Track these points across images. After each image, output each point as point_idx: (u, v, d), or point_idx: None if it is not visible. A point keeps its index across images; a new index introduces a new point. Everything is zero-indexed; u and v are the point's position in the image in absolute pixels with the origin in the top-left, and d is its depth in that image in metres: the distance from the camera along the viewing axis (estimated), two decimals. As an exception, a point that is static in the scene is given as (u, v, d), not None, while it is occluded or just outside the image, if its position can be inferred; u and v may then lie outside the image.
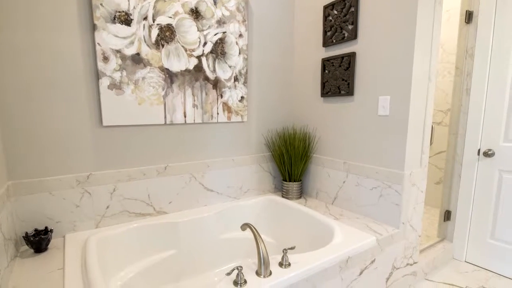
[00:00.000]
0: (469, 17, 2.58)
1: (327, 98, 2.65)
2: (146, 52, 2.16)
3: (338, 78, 2.49)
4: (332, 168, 2.66)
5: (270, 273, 1.62)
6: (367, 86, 2.31)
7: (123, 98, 2.11)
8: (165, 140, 2.34)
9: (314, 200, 2.83)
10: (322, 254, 1.81)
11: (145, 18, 2.13)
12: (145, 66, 2.17)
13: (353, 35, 2.35)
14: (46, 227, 1.93)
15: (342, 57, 2.44)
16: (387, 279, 2.21)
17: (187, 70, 2.34)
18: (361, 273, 1.99)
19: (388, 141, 2.23)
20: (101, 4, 1.97)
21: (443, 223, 2.92)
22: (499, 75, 2.45)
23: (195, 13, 2.34)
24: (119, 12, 2.03)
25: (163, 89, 2.25)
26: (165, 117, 2.29)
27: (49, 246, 1.93)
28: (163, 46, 2.22)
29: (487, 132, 2.55)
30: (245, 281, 1.54)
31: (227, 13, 2.48)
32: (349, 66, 2.39)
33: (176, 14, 2.25)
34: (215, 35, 2.45)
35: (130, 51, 2.10)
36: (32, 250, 1.87)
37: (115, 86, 2.07)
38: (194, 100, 2.41)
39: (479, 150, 2.61)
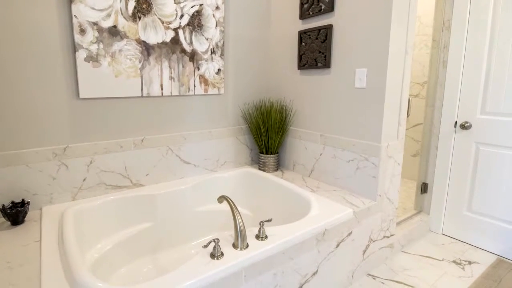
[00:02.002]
0: (446, -11, 2.72)
1: (304, 70, 2.82)
2: (123, 24, 2.28)
3: (315, 51, 2.63)
4: (308, 141, 2.83)
5: (247, 246, 1.70)
6: (344, 58, 2.46)
7: (100, 70, 2.24)
8: (142, 113, 2.49)
9: (291, 173, 3.01)
10: (299, 227, 1.93)
11: None
12: (122, 38, 2.29)
13: (330, 8, 2.48)
14: (23, 200, 2.05)
15: (319, 29, 2.58)
16: (364, 251, 2.36)
17: (164, 43, 2.47)
18: (338, 245, 2.12)
19: (364, 114, 2.39)
20: (77, -24, 2.08)
21: (419, 195, 3.10)
22: (476, 47, 2.62)
23: (171, -15, 2.45)
24: None
25: (140, 62, 2.38)
26: (142, 89, 2.43)
27: (26, 218, 2.04)
28: (140, 18, 2.34)
29: (464, 105, 2.72)
30: (222, 254, 1.62)
31: (204, -15, 2.61)
32: (326, 39, 2.53)
33: (152, -14, 2.37)
34: (191, 7, 2.58)
35: (107, 24, 2.23)
36: (9, 223, 1.98)
37: (92, 58, 2.20)
38: (171, 73, 2.54)
39: (455, 123, 2.79)
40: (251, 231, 1.84)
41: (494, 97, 2.56)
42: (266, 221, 1.88)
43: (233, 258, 1.59)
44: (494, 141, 2.59)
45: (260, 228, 1.79)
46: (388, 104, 2.29)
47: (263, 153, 3.00)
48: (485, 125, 2.62)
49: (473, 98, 2.67)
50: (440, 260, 2.60)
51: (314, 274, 2.00)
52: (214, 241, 1.61)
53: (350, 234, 2.19)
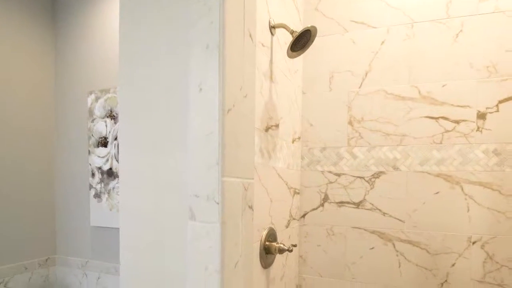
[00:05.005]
0: None
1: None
2: (116, 166, 3.00)
3: None
4: None
5: None
6: None
7: (101, 205, 3.05)
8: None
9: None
10: None
11: (116, 138, 2.98)
12: (115, 178, 3.01)
13: None
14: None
15: None
16: None
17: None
18: None
19: None
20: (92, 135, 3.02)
21: None
22: None
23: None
24: (101, 137, 3.00)
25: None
26: (116, 223, 3.03)
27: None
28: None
29: None
30: None
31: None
32: None
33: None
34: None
35: (106, 167, 3.02)
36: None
37: (97, 195, 3.05)
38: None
39: None
40: None
41: None
42: None
43: None
44: None
45: None
46: None
47: None
48: None
49: None
50: None
51: None
52: None
53: None
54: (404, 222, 2.32)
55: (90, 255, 3.07)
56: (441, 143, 2.23)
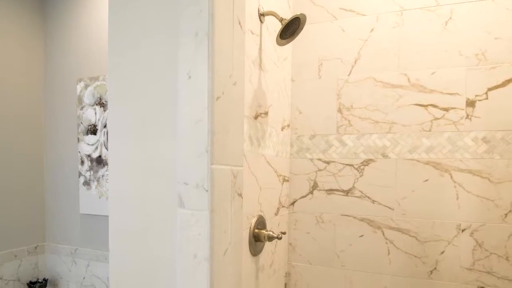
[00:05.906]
0: None
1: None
2: (105, 153, 2.99)
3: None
4: None
5: None
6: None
7: (90, 192, 3.06)
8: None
9: None
10: None
11: (105, 126, 2.97)
12: (104, 165, 3.01)
13: None
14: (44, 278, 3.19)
15: None
16: None
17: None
18: None
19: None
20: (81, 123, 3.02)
21: None
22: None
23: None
24: (90, 125, 3.00)
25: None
26: (107, 211, 3.04)
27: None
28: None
29: None
30: None
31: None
32: None
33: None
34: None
35: (95, 155, 3.01)
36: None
37: (86, 183, 3.05)
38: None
39: None
40: None
41: None
42: None
43: None
44: None
45: None
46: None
47: None
48: None
49: None
50: None
51: None
52: None
53: None
54: (393, 210, 2.35)
55: (80, 242, 3.09)
56: (430, 130, 2.26)
